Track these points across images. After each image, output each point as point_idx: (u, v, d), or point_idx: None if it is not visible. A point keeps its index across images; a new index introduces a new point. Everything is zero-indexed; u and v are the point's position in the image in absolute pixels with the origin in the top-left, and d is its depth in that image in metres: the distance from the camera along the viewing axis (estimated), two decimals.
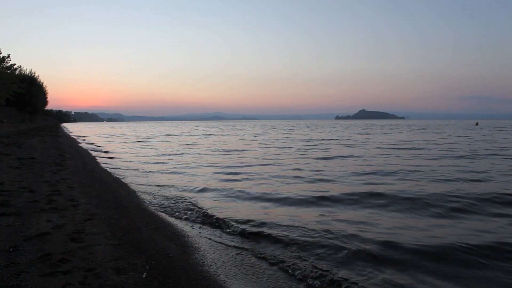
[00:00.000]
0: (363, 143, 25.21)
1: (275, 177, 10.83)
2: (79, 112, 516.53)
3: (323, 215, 6.45)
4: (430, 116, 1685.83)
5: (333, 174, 11.08)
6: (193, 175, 11.53)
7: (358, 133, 43.16)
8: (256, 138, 33.45)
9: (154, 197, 7.98)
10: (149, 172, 12.25)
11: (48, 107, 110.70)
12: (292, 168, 12.79)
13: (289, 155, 17.71)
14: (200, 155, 18.31)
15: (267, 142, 27.35)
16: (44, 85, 77.34)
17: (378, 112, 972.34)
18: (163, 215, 6.46)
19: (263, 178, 10.63)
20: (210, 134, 43.78)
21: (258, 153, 18.69)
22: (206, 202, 7.53)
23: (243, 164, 13.87)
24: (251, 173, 11.68)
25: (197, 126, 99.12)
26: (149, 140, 32.77)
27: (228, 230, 5.69)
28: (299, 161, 15.01)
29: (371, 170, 11.84)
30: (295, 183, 9.89)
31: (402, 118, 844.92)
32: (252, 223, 5.93)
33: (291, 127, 74.55)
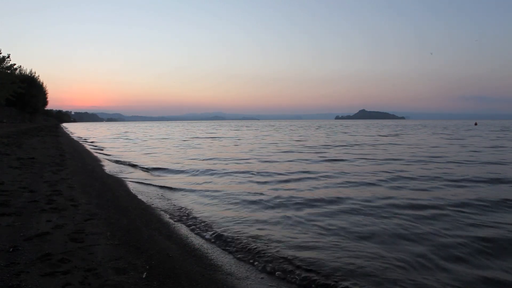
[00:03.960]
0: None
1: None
2: (79, 112, 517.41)
3: None
4: (430, 116, 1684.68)
5: None
6: None
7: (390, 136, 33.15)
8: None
9: None
10: None
11: (48, 107, 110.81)
12: None
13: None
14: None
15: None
16: (44, 85, 77.50)
17: (378, 112, 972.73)
18: (164, 215, 6.46)
19: None
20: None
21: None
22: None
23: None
24: None
25: (229, 126, 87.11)
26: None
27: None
28: None
29: None
30: None
31: (402, 118, 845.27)
32: None
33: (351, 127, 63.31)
